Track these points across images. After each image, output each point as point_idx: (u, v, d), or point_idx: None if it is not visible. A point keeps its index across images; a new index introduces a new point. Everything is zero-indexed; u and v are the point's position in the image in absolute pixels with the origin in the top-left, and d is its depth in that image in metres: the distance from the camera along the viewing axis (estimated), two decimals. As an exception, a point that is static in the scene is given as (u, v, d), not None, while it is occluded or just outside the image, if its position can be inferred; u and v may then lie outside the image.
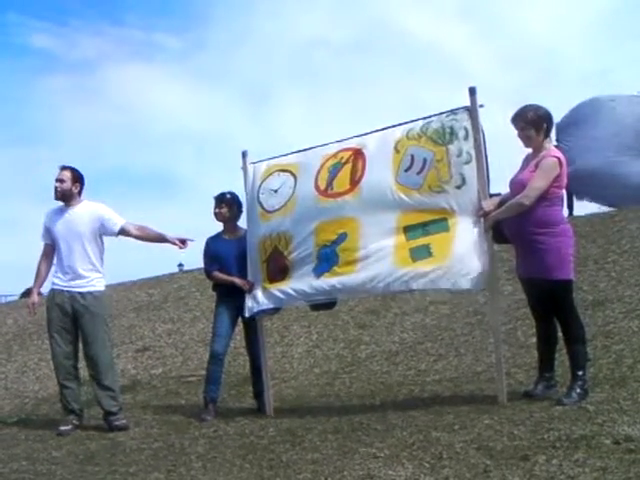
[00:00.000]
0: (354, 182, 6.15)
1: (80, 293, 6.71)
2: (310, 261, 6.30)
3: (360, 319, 10.41)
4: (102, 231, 6.86)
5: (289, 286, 6.40)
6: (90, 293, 6.76)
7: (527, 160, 5.85)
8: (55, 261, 6.87)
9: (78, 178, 6.89)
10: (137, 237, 7.03)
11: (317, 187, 6.33)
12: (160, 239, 7.00)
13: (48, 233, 6.87)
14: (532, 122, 5.72)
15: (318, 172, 6.39)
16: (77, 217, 6.81)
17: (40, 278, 7.02)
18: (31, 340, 12.82)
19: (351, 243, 6.07)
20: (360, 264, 6.01)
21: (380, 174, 6.04)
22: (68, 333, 6.74)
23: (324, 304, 6.76)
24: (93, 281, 6.80)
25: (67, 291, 6.71)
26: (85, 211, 6.86)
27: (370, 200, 6.04)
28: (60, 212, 6.87)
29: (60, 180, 6.79)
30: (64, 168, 6.86)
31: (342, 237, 6.12)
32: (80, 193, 6.93)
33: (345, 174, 6.22)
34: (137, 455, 5.51)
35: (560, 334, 5.82)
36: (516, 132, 5.82)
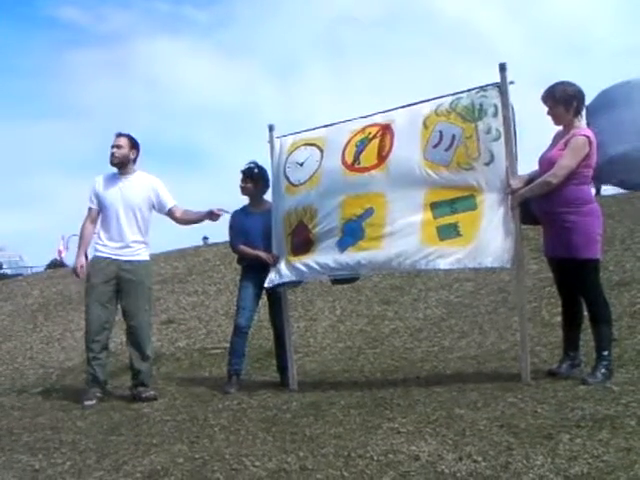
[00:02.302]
0: (381, 157, 6.10)
1: (128, 261, 6.71)
2: (334, 235, 6.25)
3: (384, 295, 10.42)
4: (154, 205, 6.90)
5: (313, 259, 6.37)
6: (138, 262, 6.78)
7: (557, 138, 5.79)
8: (101, 228, 6.81)
9: (135, 145, 6.90)
10: (179, 221, 7.05)
11: (344, 161, 6.27)
12: (201, 219, 6.97)
13: (97, 199, 6.80)
14: (562, 100, 5.65)
15: (345, 146, 6.34)
16: (132, 187, 6.82)
17: (86, 241, 6.87)
18: (56, 311, 12.96)
19: (377, 219, 6.03)
20: (386, 240, 5.98)
21: (408, 150, 5.99)
22: (109, 302, 6.71)
23: (346, 278, 6.76)
24: (140, 250, 6.82)
25: (114, 259, 6.69)
26: (141, 182, 6.88)
27: (397, 176, 5.98)
28: (114, 179, 6.85)
29: (117, 146, 6.78)
30: (121, 135, 6.85)
31: (369, 212, 6.08)
32: (135, 161, 6.94)
33: (372, 149, 6.17)
34: (161, 426, 5.55)
35: (586, 314, 5.79)
36: (546, 110, 5.77)
